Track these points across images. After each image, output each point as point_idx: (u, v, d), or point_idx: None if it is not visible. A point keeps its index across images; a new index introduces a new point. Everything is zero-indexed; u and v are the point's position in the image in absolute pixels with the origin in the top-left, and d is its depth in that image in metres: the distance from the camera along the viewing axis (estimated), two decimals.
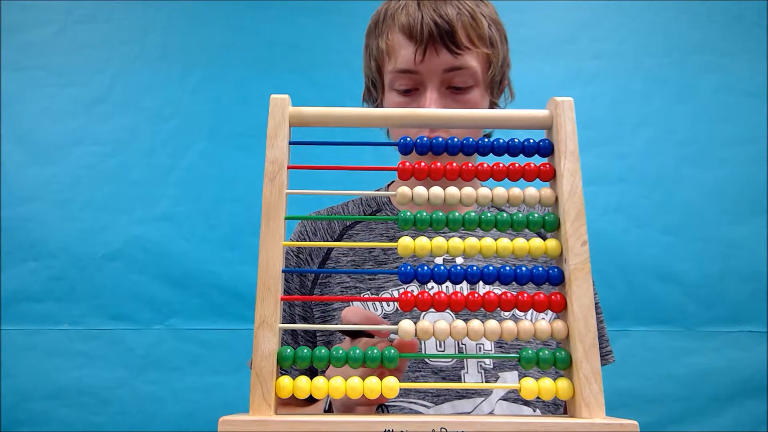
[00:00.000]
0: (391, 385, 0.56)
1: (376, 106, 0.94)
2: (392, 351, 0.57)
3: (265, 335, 0.55)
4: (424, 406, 0.81)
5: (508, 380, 0.82)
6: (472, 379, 0.82)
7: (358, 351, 0.58)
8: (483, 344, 0.84)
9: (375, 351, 0.57)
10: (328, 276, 0.90)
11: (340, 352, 0.58)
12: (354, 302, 0.87)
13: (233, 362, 1.75)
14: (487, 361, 0.82)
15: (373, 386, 0.56)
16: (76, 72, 1.92)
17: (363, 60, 0.95)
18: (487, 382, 0.82)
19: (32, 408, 1.72)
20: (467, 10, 0.84)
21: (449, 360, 0.82)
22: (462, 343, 0.83)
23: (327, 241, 0.92)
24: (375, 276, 0.88)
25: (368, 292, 0.87)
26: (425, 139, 0.63)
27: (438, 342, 0.83)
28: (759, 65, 1.95)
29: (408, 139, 0.63)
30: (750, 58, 1.96)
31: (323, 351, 0.58)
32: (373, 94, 0.95)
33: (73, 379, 1.74)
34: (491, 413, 0.80)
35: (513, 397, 0.82)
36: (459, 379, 0.81)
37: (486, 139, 0.63)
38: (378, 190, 1.01)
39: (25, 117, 1.89)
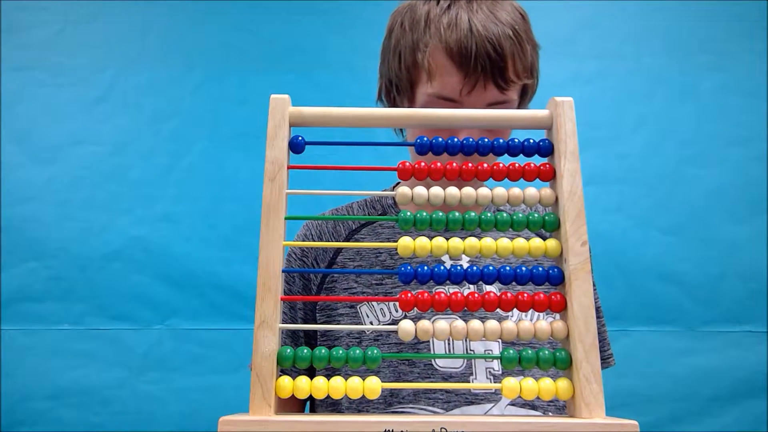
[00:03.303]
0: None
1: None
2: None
3: (265, 335, 0.55)
4: (433, 412, 0.80)
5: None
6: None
7: (358, 351, 0.58)
8: (491, 350, 0.83)
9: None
10: (333, 281, 0.88)
11: (340, 352, 0.58)
12: (360, 308, 0.85)
13: (233, 362, 1.75)
14: (495, 367, 0.82)
15: (374, 386, 0.56)
16: (76, 72, 1.92)
17: (386, 58, 0.87)
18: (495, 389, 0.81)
19: (32, 408, 1.72)
20: (515, 33, 0.78)
21: (458, 366, 0.81)
22: (471, 350, 0.83)
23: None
24: (382, 282, 0.86)
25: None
26: (425, 139, 0.63)
27: (447, 347, 0.83)
28: (759, 65, 1.95)
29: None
30: (750, 58, 1.95)
31: (323, 351, 0.58)
32: (396, 100, 0.87)
33: (73, 379, 1.74)
34: None
35: (521, 401, 0.82)
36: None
37: (486, 139, 0.63)
38: (384, 191, 1.00)
39: (25, 117, 1.89)
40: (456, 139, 0.63)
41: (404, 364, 0.81)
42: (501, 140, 0.63)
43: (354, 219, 0.91)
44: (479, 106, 0.79)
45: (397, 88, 0.86)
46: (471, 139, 0.63)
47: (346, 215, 0.95)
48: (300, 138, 0.61)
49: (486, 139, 0.63)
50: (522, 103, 0.86)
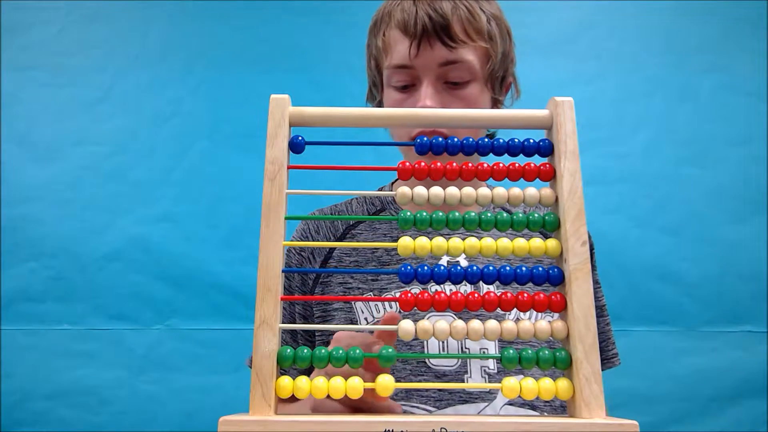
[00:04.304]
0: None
1: (377, 105, 0.94)
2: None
3: (265, 335, 0.55)
4: (426, 410, 0.80)
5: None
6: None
7: (358, 351, 0.58)
8: (487, 348, 0.83)
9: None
10: (329, 275, 0.89)
11: (340, 352, 0.58)
12: (355, 302, 0.86)
13: (233, 362, 1.75)
14: (490, 366, 0.82)
15: (386, 383, 0.56)
16: (76, 72, 1.92)
17: (365, 60, 0.95)
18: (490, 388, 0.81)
19: (32, 408, 1.72)
20: (464, 5, 0.84)
21: (453, 364, 0.81)
22: (466, 348, 0.83)
23: (329, 239, 0.92)
24: (378, 277, 0.87)
25: (371, 293, 0.87)
26: (425, 138, 0.63)
27: (441, 345, 0.83)
28: (759, 65, 1.94)
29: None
30: (750, 58, 1.95)
31: (323, 351, 0.58)
32: (374, 93, 0.94)
33: (73, 379, 1.74)
34: None
35: (520, 401, 0.82)
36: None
37: (486, 139, 0.63)
38: (382, 188, 1.01)
39: (25, 117, 1.89)
40: (456, 139, 0.63)
41: (397, 361, 0.82)
42: (501, 140, 0.63)
43: (355, 219, 0.91)
44: (431, 66, 0.84)
45: (374, 81, 0.93)
46: (471, 139, 0.63)
47: (345, 211, 0.97)
48: (300, 138, 0.61)
49: (486, 139, 0.63)
50: (485, 68, 0.87)
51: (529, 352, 0.58)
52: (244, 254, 1.81)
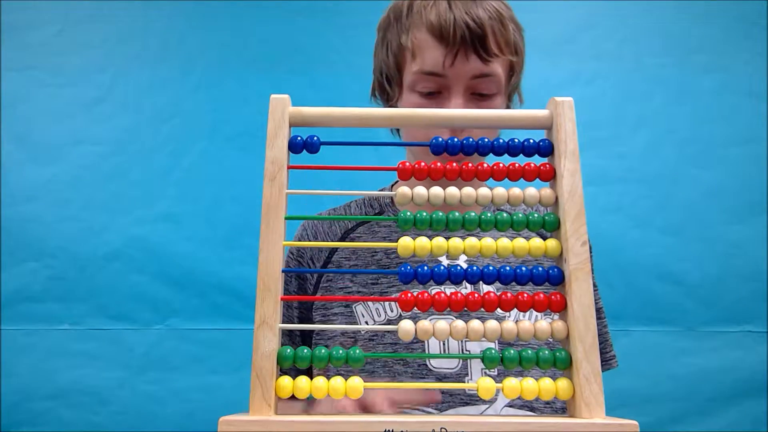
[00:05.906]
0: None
1: (390, 105, 0.91)
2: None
3: (265, 335, 0.55)
4: (428, 412, 0.80)
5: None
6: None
7: (358, 351, 0.58)
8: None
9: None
10: (329, 280, 0.88)
11: (340, 352, 0.58)
12: (356, 307, 0.85)
13: (233, 362, 1.75)
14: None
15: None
16: (76, 72, 1.92)
17: (377, 53, 0.91)
18: None
19: (32, 408, 1.72)
20: (496, 13, 0.82)
21: (453, 366, 0.81)
22: (466, 350, 0.83)
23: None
24: (378, 282, 0.86)
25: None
26: (440, 139, 0.63)
27: (441, 347, 0.83)
28: (759, 65, 1.95)
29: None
30: (750, 58, 1.95)
31: (323, 351, 0.58)
32: (387, 91, 0.91)
33: (73, 379, 1.74)
34: None
35: (519, 403, 0.82)
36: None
37: (486, 139, 0.63)
38: (383, 190, 1.00)
39: (25, 117, 1.88)
40: (456, 139, 0.63)
41: (399, 363, 0.81)
42: (501, 140, 0.63)
43: (353, 219, 0.91)
44: (463, 77, 0.82)
45: (387, 77, 0.89)
46: (471, 139, 0.63)
47: (344, 214, 0.95)
48: (300, 138, 0.61)
49: (486, 139, 0.63)
50: (509, 83, 0.87)
51: (529, 352, 0.58)
52: (244, 254, 1.81)
